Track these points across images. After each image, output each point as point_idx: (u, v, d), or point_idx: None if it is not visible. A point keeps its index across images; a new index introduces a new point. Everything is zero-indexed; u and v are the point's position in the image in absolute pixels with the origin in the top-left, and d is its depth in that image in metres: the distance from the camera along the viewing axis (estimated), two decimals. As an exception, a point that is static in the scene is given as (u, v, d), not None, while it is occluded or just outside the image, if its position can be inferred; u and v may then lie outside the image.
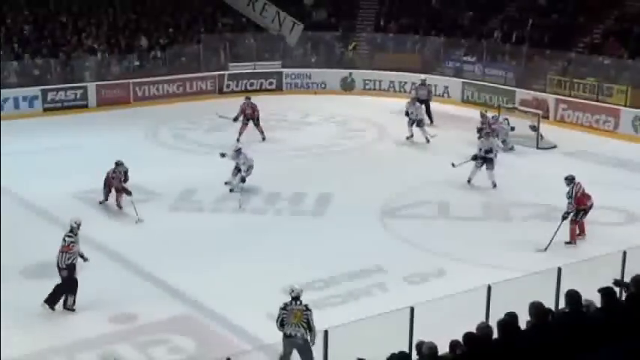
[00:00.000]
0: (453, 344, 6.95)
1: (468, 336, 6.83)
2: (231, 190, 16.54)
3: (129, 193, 15.26)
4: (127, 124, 22.31)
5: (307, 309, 9.36)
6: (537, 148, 20.21)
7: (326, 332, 8.21)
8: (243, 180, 16.38)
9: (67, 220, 11.90)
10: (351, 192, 16.56)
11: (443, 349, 6.96)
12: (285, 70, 27.63)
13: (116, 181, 15.36)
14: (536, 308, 7.17)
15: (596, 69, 23.64)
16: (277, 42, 28.34)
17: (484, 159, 17.06)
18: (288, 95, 26.92)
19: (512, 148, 19.95)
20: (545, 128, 20.92)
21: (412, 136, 20.65)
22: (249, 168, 16.52)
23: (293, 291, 9.45)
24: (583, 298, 7.49)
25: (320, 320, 9.33)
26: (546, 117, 22.48)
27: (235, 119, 20.54)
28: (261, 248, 13.67)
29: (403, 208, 15.90)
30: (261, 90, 27.03)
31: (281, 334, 9.40)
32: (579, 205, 13.82)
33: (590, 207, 13.95)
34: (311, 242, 13.98)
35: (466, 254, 13.19)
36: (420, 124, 20.62)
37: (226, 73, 27.01)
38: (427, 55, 27.92)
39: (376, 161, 19.32)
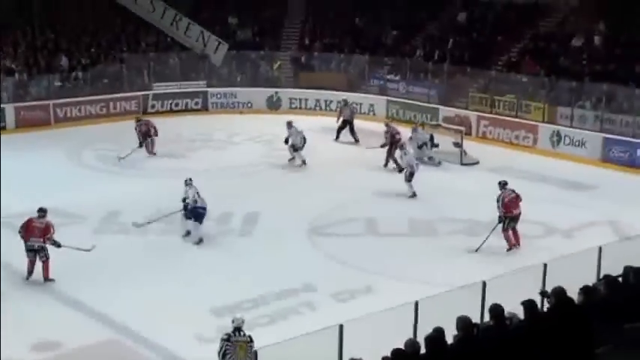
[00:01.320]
0: (383, 361, 7.01)
1: (396, 352, 6.90)
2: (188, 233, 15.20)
3: (57, 245, 13.07)
4: (48, 146, 21.76)
5: (251, 340, 9.04)
6: (461, 164, 20.65)
7: (255, 353, 8.16)
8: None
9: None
10: (279, 211, 16.56)
11: (372, 366, 7.00)
12: (210, 90, 27.49)
13: (37, 232, 12.97)
14: (463, 322, 7.31)
15: (515, 86, 24.38)
16: (202, 61, 28.20)
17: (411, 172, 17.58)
18: (214, 115, 26.77)
19: (439, 163, 20.33)
20: (468, 144, 21.41)
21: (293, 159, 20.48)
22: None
23: (234, 321, 9.12)
24: (506, 310, 7.67)
25: (249, 341, 9.25)
26: (469, 133, 23.02)
27: (140, 145, 20.83)
28: (188, 269, 13.51)
29: (331, 225, 15.98)
30: (186, 110, 26.85)
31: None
32: (506, 212, 14.23)
33: (517, 216, 14.37)
34: (239, 262, 13.91)
35: (394, 270, 13.33)
36: (295, 148, 20.37)
37: (151, 92, 26.71)
38: (352, 73, 28.28)
39: (303, 180, 19.37)
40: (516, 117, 23.46)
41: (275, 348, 8.16)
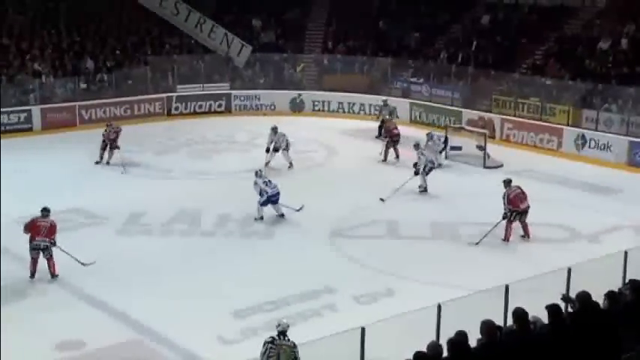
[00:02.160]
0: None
1: (418, 355, 6.86)
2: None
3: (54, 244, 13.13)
4: (73, 148, 21.96)
5: (295, 346, 8.87)
6: (484, 167, 20.52)
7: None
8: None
9: (11, 246, 11.60)
10: (302, 213, 16.54)
11: (394, 368, 6.97)
12: (234, 92, 27.60)
13: (44, 231, 13.05)
14: (487, 326, 7.25)
15: (539, 89, 24.19)
16: (226, 64, 28.31)
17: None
18: (237, 117, 26.87)
19: (440, 165, 20.18)
20: (491, 147, 21.27)
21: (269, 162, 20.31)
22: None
23: (279, 325, 9.02)
24: (530, 315, 7.60)
25: (271, 343, 9.25)
26: (492, 136, 22.88)
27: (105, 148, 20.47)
28: (210, 271, 13.54)
29: (353, 228, 15.94)
30: (210, 112, 26.99)
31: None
32: (513, 207, 14.68)
33: (525, 210, 14.81)
34: (261, 264, 13.92)
35: (416, 273, 13.27)
36: (276, 149, 20.34)
37: (174, 95, 26.87)
38: (375, 76, 28.24)
39: (325, 182, 19.36)
40: (540, 120, 23.29)
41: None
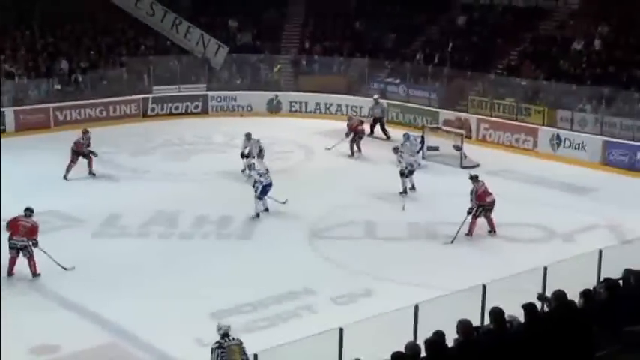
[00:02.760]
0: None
1: (396, 355, 6.88)
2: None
3: (36, 245, 13.20)
4: (47, 150, 21.75)
5: (241, 342, 9.08)
6: (461, 167, 20.61)
7: (255, 356, 8.13)
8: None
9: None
10: (279, 214, 16.55)
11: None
12: (210, 93, 27.50)
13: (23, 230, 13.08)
14: (464, 325, 7.30)
15: (514, 90, 24.38)
16: (202, 65, 28.22)
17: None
18: (213, 118, 26.78)
19: (419, 165, 20.21)
20: (468, 148, 21.40)
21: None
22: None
23: (220, 328, 9.16)
24: (507, 313, 7.66)
25: (249, 344, 9.24)
26: (469, 137, 23.02)
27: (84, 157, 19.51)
28: (187, 272, 13.48)
29: (330, 228, 15.96)
30: (186, 113, 26.88)
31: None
32: (480, 202, 15.17)
33: (491, 204, 15.28)
34: (238, 265, 13.89)
35: (393, 273, 13.31)
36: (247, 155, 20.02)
37: (150, 96, 26.72)
38: (352, 76, 28.28)
39: (303, 183, 19.36)
40: (516, 120, 23.46)
41: (275, 351, 8.15)
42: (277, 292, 12.51)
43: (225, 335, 9.09)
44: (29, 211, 13.24)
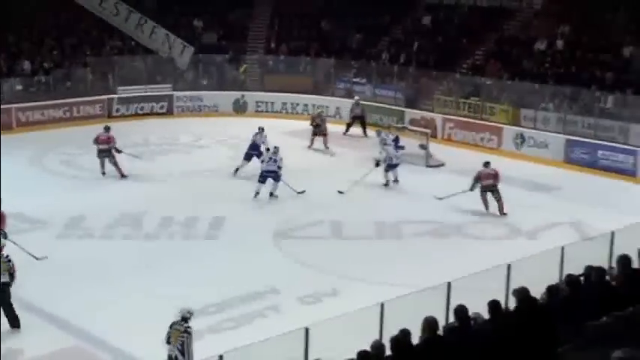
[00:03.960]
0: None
1: (361, 354, 6.91)
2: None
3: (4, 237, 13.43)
4: (10, 151, 21.27)
5: (186, 331, 9.36)
6: (427, 166, 20.76)
7: (221, 357, 8.10)
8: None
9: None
10: (245, 214, 16.52)
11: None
12: (176, 93, 27.32)
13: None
14: (428, 323, 7.35)
15: (479, 89, 24.61)
16: (168, 65, 28.02)
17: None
18: (179, 118, 26.62)
19: (377, 165, 20.40)
20: (433, 147, 21.54)
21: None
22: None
23: (180, 311, 9.51)
24: (471, 311, 7.73)
25: (215, 344, 9.21)
26: (434, 136, 23.17)
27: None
28: (153, 274, 13.40)
29: (296, 228, 15.97)
30: (152, 113, 26.67)
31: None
32: (480, 181, 17.06)
33: (487, 186, 16.94)
34: (204, 266, 13.83)
35: (359, 273, 13.36)
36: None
37: (115, 96, 26.45)
38: (318, 76, 28.30)
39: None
40: (481, 119, 23.69)
41: (241, 352, 8.14)
42: (243, 293, 12.49)
43: (183, 319, 9.47)
44: None
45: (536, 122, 22.61)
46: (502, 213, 16.68)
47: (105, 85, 26.78)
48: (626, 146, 20.51)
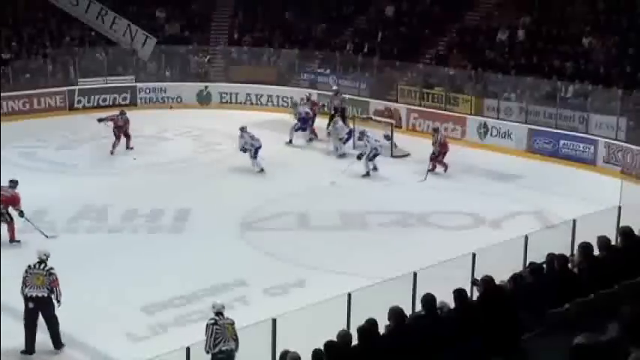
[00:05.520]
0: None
1: (328, 344, 6.93)
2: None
3: (22, 215, 14.48)
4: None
5: (233, 322, 9.29)
6: (392, 156, 20.84)
7: (188, 349, 8.09)
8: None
9: None
10: (210, 206, 16.43)
11: (306, 358, 7.02)
12: (139, 85, 27.03)
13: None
14: (395, 312, 7.40)
15: (443, 79, 24.75)
16: (129, 56, 27.70)
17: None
18: (142, 110, 26.32)
19: (343, 155, 20.49)
20: (398, 137, 21.63)
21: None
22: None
23: (215, 307, 9.37)
24: (438, 300, 7.80)
25: (182, 337, 9.20)
26: (399, 126, 23.27)
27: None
28: (118, 268, 13.27)
29: (263, 220, 15.95)
30: (114, 105, 26.22)
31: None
32: (442, 149, 19.05)
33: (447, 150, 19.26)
34: (170, 259, 13.75)
35: (326, 263, 13.40)
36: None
37: (77, 88, 26.08)
38: (282, 67, 28.22)
39: (234, 175, 19.26)
40: (445, 109, 23.83)
41: (208, 344, 8.12)
42: (210, 285, 12.45)
43: (219, 313, 9.29)
44: (13, 183, 14.27)
45: (500, 112, 22.84)
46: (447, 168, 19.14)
47: (65, 76, 26.39)
48: (586, 135, 20.81)
